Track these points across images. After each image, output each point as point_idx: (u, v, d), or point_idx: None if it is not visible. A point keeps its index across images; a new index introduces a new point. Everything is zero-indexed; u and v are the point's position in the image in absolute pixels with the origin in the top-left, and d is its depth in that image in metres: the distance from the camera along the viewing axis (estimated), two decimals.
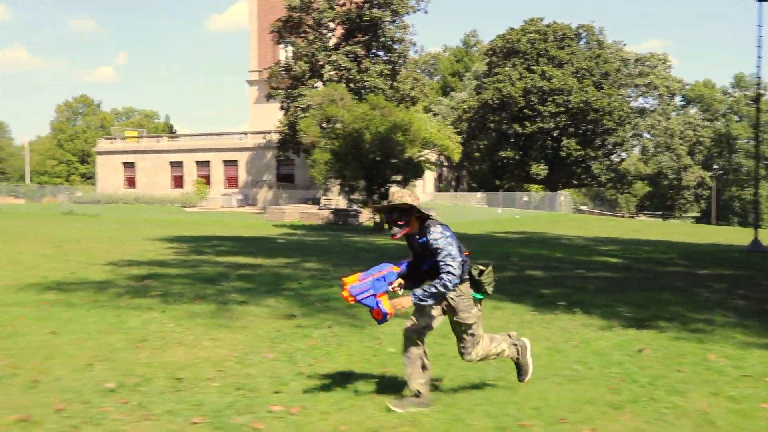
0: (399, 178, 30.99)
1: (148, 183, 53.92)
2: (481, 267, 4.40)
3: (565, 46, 58.98)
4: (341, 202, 40.67)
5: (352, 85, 39.37)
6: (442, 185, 62.69)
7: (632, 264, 15.53)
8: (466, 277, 4.32)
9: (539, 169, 59.45)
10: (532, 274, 12.67)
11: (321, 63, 40.64)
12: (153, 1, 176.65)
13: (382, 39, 40.69)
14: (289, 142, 41.89)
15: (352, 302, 4.11)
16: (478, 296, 4.40)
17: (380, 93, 37.32)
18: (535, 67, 57.23)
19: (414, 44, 41.53)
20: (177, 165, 53.72)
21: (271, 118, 57.74)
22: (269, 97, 44.77)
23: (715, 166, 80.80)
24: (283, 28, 42.83)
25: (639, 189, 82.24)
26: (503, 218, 43.64)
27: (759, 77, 26.51)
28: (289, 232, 26.82)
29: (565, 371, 5.29)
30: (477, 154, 61.24)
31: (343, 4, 41.03)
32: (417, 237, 4.32)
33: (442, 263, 4.11)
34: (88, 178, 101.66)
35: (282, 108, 54.12)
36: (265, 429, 3.86)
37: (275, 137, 50.00)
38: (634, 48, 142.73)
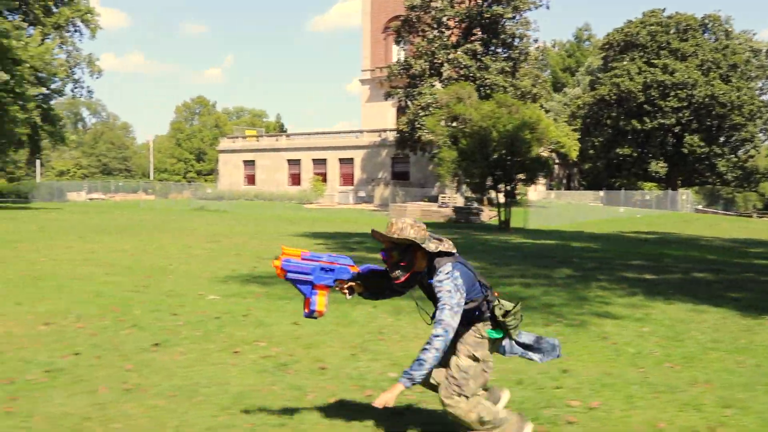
0: (523, 176, 30.79)
1: (267, 180, 56.00)
2: (508, 306, 3.58)
3: (689, 38, 56.36)
4: (459, 200, 40.74)
5: (471, 83, 39.33)
6: (553, 183, 61.47)
7: None
8: (488, 315, 3.59)
9: (658, 166, 57.21)
10: (701, 277, 12.27)
11: (440, 61, 40.82)
12: (257, 4, 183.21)
13: (502, 36, 40.41)
14: (408, 140, 42.35)
15: (281, 277, 3.65)
16: (494, 335, 3.60)
17: (501, 90, 37.07)
18: (655, 61, 55.04)
19: (536, 40, 41.06)
20: (294, 163, 55.51)
21: (383, 116, 58.67)
22: (388, 95, 45.42)
23: None
24: (402, 27, 43.33)
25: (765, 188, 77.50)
26: (624, 217, 42.28)
27: None
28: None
29: None
30: (591, 151, 59.58)
31: (462, 2, 41.05)
32: (426, 277, 3.57)
33: (437, 317, 3.37)
34: (204, 175, 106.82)
35: (400, 106, 54.83)
36: (579, 423, 4.03)
37: (391, 135, 50.72)
38: (767, 37, 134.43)
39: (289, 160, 55.77)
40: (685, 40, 56.14)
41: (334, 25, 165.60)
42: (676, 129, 55.68)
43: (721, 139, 57.00)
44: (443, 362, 3.51)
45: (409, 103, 43.29)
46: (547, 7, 42.52)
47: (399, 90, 43.60)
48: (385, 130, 51.20)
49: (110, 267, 11.23)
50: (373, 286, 3.81)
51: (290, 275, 3.62)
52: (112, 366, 5.09)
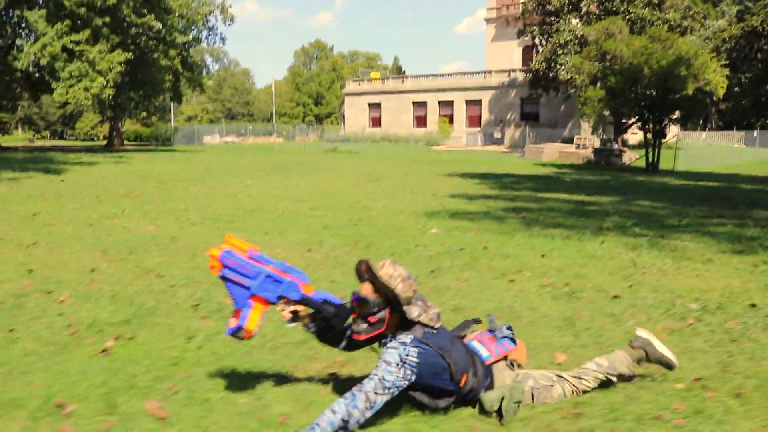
0: (676, 115, 29.17)
1: (392, 122, 56.26)
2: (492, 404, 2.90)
3: None
4: (595, 142, 39.26)
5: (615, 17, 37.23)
6: (690, 124, 57.81)
7: None
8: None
9: None
10: None
11: None
12: None
13: None
14: (542, 80, 40.99)
15: (215, 272, 2.87)
16: None
17: (648, 24, 34.90)
18: None
19: None
20: (420, 105, 55.31)
21: (509, 55, 57.01)
22: (521, 33, 43.96)
23: None
24: None
25: None
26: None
27: None
28: (561, 171, 26.48)
29: None
30: (737, 88, 55.29)
31: None
32: (383, 342, 2.97)
33: (359, 385, 2.72)
34: (321, 118, 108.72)
35: (527, 46, 52.99)
36: None
37: (520, 75, 49.30)
38: None
39: (414, 102, 55.63)
40: None
41: None
42: None
43: None
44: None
45: (542, 40, 41.70)
46: None
47: (534, 27, 42.02)
48: (515, 70, 49.79)
49: (305, 202, 11.70)
50: (323, 321, 3.05)
51: (227, 272, 2.86)
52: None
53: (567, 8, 39.34)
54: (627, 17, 36.98)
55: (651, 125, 28.44)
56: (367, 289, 2.86)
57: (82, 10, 32.72)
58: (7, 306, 4.52)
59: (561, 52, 36.93)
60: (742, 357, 3.81)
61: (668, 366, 3.34)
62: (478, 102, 51.92)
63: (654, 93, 27.50)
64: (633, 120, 29.04)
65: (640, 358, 3.32)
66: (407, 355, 2.75)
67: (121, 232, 7.99)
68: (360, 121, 58.64)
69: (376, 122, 58.09)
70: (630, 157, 34.21)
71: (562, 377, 3.15)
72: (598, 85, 28.32)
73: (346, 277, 5.66)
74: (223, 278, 2.86)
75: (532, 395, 3.05)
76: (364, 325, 2.89)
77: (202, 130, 64.03)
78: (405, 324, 2.89)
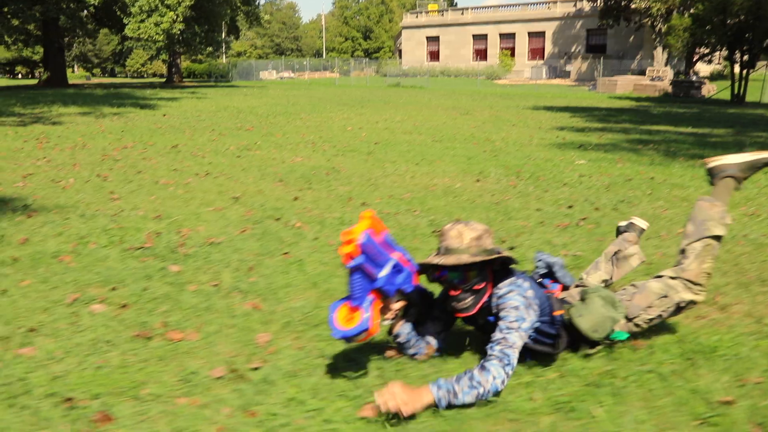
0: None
1: (451, 56, 55.11)
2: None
3: None
4: (668, 73, 37.84)
5: None
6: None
7: None
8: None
9: None
10: None
11: None
12: None
13: None
14: (614, 9, 39.37)
15: (347, 259, 2.24)
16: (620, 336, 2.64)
17: None
18: None
19: None
20: (480, 38, 53.93)
21: None
22: None
23: None
24: None
25: None
26: None
27: None
28: (643, 104, 25.67)
29: None
30: None
31: None
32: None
33: (497, 345, 2.32)
34: (370, 53, 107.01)
35: None
36: None
37: (586, 5, 47.45)
38: None
39: (474, 35, 54.26)
40: None
41: None
42: None
43: None
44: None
45: None
46: None
47: None
48: (581, 0, 47.91)
49: (423, 134, 11.61)
50: (424, 312, 2.63)
51: (362, 261, 2.24)
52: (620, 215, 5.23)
53: None
54: None
55: (739, 55, 27.22)
56: (452, 260, 2.40)
57: None
58: (255, 232, 4.59)
59: None
60: None
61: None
62: (542, 34, 50.32)
63: (744, 21, 26.20)
64: (721, 50, 27.82)
65: (736, 183, 2.88)
66: (526, 292, 2.43)
67: (275, 163, 8.05)
68: (417, 55, 57.61)
69: (434, 56, 56.99)
70: (708, 89, 32.95)
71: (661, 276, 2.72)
72: (684, 13, 27.08)
73: (537, 204, 5.62)
74: (353, 268, 2.25)
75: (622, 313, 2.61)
76: (470, 297, 2.47)
77: (257, 65, 63.82)
78: (498, 276, 2.51)
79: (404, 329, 2.54)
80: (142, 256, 3.97)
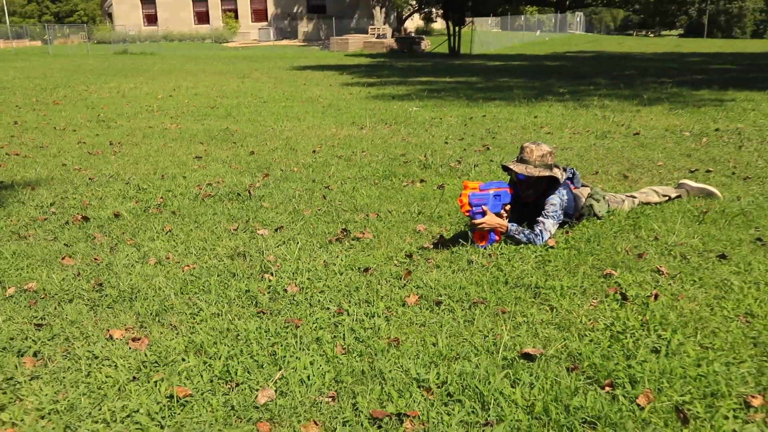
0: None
1: (170, 19, 53.21)
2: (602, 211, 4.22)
3: None
4: (387, 30, 41.64)
5: None
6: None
7: None
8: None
9: None
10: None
11: None
12: None
13: None
14: None
15: (466, 212, 3.61)
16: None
17: None
18: None
19: None
20: (200, 0, 52.86)
21: None
22: None
23: None
24: None
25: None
26: (542, 41, 45.42)
27: None
28: (380, 60, 28.40)
29: None
30: None
31: None
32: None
33: (542, 222, 3.82)
34: (62, 18, 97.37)
35: None
36: None
37: None
38: None
39: None
40: None
41: None
42: None
43: None
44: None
45: None
46: None
47: None
48: None
49: (248, 98, 12.29)
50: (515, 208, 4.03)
51: (474, 209, 3.59)
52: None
53: None
54: None
55: (452, 12, 31.32)
56: (521, 168, 3.79)
57: None
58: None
59: None
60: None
61: (711, 196, 4.62)
62: None
63: None
64: (436, 9, 31.66)
65: (681, 194, 4.65)
66: (563, 197, 3.86)
67: (167, 131, 8.31)
68: (132, 19, 54.53)
69: (152, 19, 54.49)
70: (425, 44, 37.18)
71: (631, 196, 4.51)
72: None
73: (427, 139, 7.11)
74: (472, 214, 3.58)
75: (609, 205, 4.32)
76: (532, 191, 3.89)
77: None
78: (552, 182, 3.91)
79: (511, 226, 3.81)
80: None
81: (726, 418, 2.04)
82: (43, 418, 2.13)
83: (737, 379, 2.25)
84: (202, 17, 53.12)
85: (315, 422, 2.07)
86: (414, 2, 30.55)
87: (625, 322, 2.70)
